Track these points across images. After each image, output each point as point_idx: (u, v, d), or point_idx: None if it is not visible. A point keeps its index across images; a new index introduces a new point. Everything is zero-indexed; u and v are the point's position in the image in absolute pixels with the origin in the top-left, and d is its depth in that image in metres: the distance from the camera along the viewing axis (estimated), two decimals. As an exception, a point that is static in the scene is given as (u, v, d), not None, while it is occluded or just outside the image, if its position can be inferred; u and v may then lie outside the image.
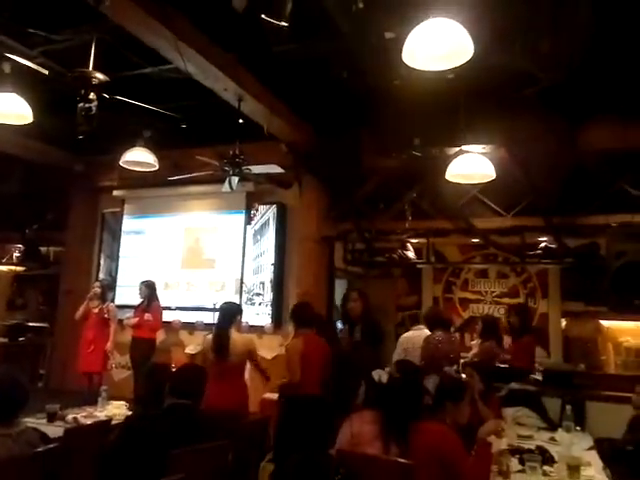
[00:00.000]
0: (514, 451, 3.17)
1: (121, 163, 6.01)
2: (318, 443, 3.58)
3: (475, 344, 5.51)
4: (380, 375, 2.74)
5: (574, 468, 2.77)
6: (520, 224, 6.03)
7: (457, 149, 4.91)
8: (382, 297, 9.15)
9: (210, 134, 6.30)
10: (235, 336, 4.35)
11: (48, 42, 4.62)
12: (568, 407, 3.92)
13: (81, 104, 3.45)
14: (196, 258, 8.02)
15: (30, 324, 9.22)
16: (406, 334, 6.02)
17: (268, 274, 7.49)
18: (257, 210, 7.67)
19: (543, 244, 6.53)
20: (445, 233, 6.79)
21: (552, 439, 3.66)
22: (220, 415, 3.60)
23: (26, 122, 4.26)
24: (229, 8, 3.07)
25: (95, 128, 3.73)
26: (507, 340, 5.94)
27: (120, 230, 8.58)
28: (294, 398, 4.31)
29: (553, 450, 3.20)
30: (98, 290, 6.52)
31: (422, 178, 6.33)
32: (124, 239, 8.52)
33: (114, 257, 8.63)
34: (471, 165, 4.76)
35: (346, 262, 7.28)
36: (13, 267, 9.97)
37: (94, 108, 3.47)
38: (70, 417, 3.78)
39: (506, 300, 8.44)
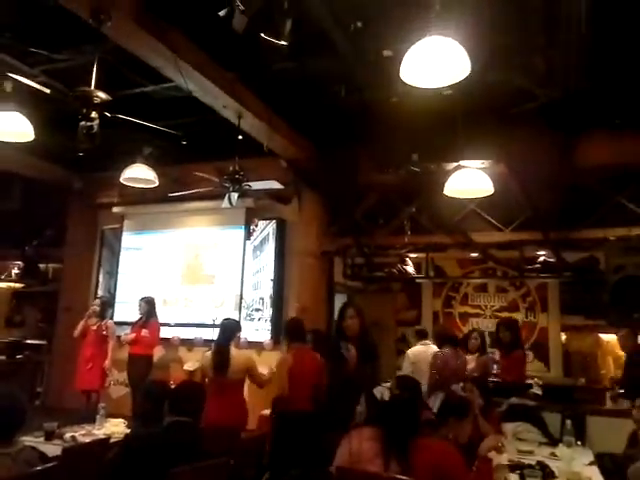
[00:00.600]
0: (515, 466, 3.15)
1: (121, 180, 6.04)
2: (310, 458, 3.58)
3: (472, 359, 5.50)
4: (382, 392, 2.74)
5: (575, 483, 2.75)
6: (518, 238, 6.06)
7: (455, 164, 4.95)
8: (382, 312, 9.14)
9: (210, 150, 6.34)
10: (234, 353, 4.36)
11: (50, 61, 4.68)
12: (568, 422, 3.89)
13: (83, 122, 3.48)
14: (195, 274, 8.01)
15: (28, 341, 9.14)
16: (414, 349, 6.05)
17: (267, 290, 7.49)
18: (256, 226, 7.68)
19: (542, 258, 6.56)
20: (444, 248, 6.82)
21: (553, 454, 3.64)
22: (220, 431, 3.59)
23: (27, 140, 4.29)
24: (229, 27, 3.12)
25: (96, 146, 3.76)
26: (497, 355, 5.94)
27: (119, 246, 8.58)
28: (284, 414, 4.32)
29: (554, 465, 3.17)
30: (97, 308, 6.49)
31: (421, 193, 6.37)
32: (123, 255, 8.51)
33: (113, 273, 8.62)
34: (469, 180, 4.79)
35: (346, 277, 7.30)
36: (12, 284, 9.94)
37: (96, 126, 3.51)
38: (68, 435, 3.75)
39: (505, 314, 8.43)
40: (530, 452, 3.71)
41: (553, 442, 4.03)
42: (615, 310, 4.33)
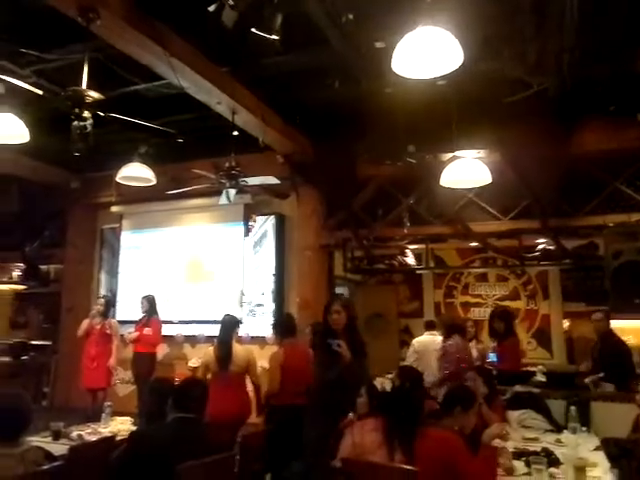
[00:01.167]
0: (520, 454, 3.17)
1: (118, 179, 6.03)
2: (309, 452, 3.61)
3: (472, 347, 5.52)
4: (382, 383, 2.75)
5: (580, 469, 2.76)
6: (517, 227, 6.05)
7: (451, 155, 4.94)
8: (384, 304, 9.18)
9: (206, 147, 6.34)
10: (236, 347, 4.45)
11: (41, 61, 4.65)
12: (573, 408, 3.91)
13: (75, 122, 3.48)
14: (196, 271, 8.02)
15: (33, 342, 9.19)
16: (419, 338, 6.09)
17: (269, 285, 7.50)
18: (255, 221, 7.68)
19: (541, 246, 6.55)
20: (443, 238, 6.82)
21: (558, 441, 3.66)
22: (224, 425, 3.62)
23: (23, 141, 4.29)
24: (220, 23, 3.10)
25: (91, 145, 3.76)
26: (491, 344, 5.97)
27: (119, 246, 8.59)
28: (276, 408, 4.39)
29: (559, 452, 3.18)
30: (101, 307, 6.52)
31: (418, 184, 6.37)
32: (123, 254, 8.52)
33: (114, 273, 8.63)
34: (465, 170, 4.78)
35: (346, 270, 7.30)
36: (14, 286, 9.97)
37: (89, 126, 3.50)
38: (75, 434, 3.78)
39: (507, 303, 8.44)
40: (535, 439, 3.73)
41: (558, 429, 4.05)
42: (616, 296, 4.34)
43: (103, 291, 8.54)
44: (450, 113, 4.83)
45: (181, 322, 7.68)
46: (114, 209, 8.47)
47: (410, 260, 7.57)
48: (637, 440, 3.78)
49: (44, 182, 7.80)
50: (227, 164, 5.25)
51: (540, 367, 5.95)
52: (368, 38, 3.87)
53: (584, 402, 4.66)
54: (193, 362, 7.00)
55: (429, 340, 5.83)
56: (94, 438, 3.73)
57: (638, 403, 4.05)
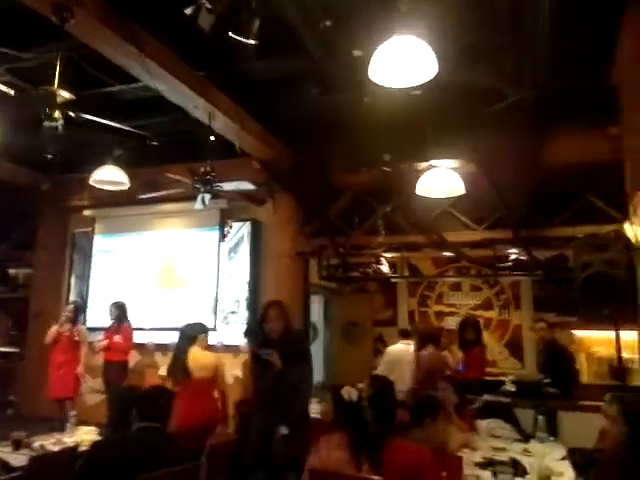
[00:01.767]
0: (487, 463, 3.17)
1: (91, 182, 5.91)
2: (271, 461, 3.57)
3: (447, 356, 5.57)
4: (349, 393, 2.71)
5: (545, 479, 2.78)
6: (490, 237, 6.13)
7: (426, 164, 4.98)
8: (359, 312, 9.19)
9: (181, 151, 6.27)
10: (199, 354, 4.42)
11: (15, 60, 4.55)
12: (540, 418, 3.95)
13: (46, 122, 3.41)
14: (170, 277, 7.90)
15: (-1, 349, 8.94)
16: (392, 347, 6.08)
17: (243, 292, 7.43)
18: (231, 227, 7.60)
19: (514, 256, 6.64)
20: (418, 247, 6.86)
21: (526, 450, 3.68)
22: (191, 434, 3.56)
23: (-7, 141, 4.18)
24: (196, 26, 3.08)
25: (63, 147, 3.68)
26: (459, 353, 6.04)
27: (91, 250, 8.42)
28: (246, 415, 4.31)
29: (526, 461, 3.21)
30: (70, 314, 6.36)
31: (394, 193, 6.40)
32: (95, 259, 8.35)
33: (85, 278, 8.44)
34: (440, 180, 4.84)
35: (321, 278, 7.29)
36: (-20, 290, 9.68)
37: (60, 127, 3.43)
38: (37, 444, 3.66)
39: (480, 312, 8.53)
40: (503, 449, 3.74)
41: (526, 438, 4.07)
42: (584, 307, 4.42)
43: (73, 296, 8.34)
44: (426, 122, 4.88)
45: (153, 329, 7.54)
46: (86, 212, 8.31)
47: (385, 268, 7.59)
48: (602, 450, 3.83)
49: (14, 183, 7.61)
50: (202, 169, 5.20)
51: (510, 377, 6.01)
52: (346, 46, 3.88)
53: (552, 412, 4.72)
54: (164, 370, 6.88)
55: (403, 349, 5.83)
56: (57, 448, 3.62)
57: (604, 413, 4.11)
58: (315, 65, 4.36)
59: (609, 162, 5.11)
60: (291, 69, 4.73)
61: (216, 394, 4.54)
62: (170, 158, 6.53)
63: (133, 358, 6.91)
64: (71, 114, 3.56)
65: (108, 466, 2.50)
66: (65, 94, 3.52)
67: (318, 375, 6.61)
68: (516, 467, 3.04)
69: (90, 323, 7.58)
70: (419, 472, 2.45)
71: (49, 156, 4.62)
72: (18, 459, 3.14)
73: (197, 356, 4.39)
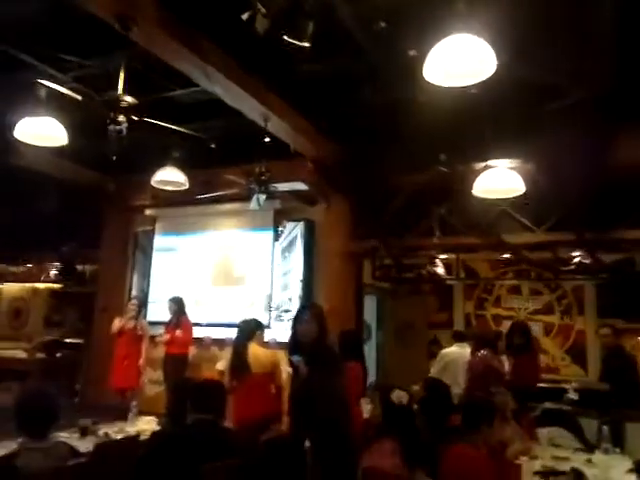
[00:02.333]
0: (548, 473, 3.06)
1: (152, 182, 6.16)
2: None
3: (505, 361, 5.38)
4: (400, 397, 2.67)
5: (610, 492, 2.66)
6: (551, 239, 5.91)
7: (484, 164, 4.86)
8: (413, 314, 9.07)
9: (237, 153, 6.40)
10: (259, 351, 4.48)
11: (80, 67, 4.80)
12: (605, 428, 3.77)
13: (111, 126, 3.58)
14: (226, 275, 8.11)
15: (67, 340, 9.46)
16: (447, 350, 5.98)
17: (296, 291, 7.51)
18: (285, 227, 7.72)
19: (577, 259, 6.37)
20: (474, 249, 6.70)
21: (589, 461, 3.51)
22: (248, 429, 3.63)
23: (61, 144, 4.42)
24: (252, 30, 3.14)
25: (126, 149, 3.85)
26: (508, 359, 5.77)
27: (152, 248, 8.76)
28: None
29: (589, 472, 3.07)
30: (135, 310, 6.67)
31: (450, 194, 6.28)
32: (156, 257, 8.69)
33: (146, 275, 8.80)
34: (498, 180, 4.70)
35: (374, 278, 7.25)
36: (51, 284, 10.28)
37: (124, 130, 3.60)
38: (101, 432, 3.85)
39: (540, 317, 8.22)
40: (565, 458, 3.58)
41: (589, 448, 3.90)
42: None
43: (135, 292, 8.71)
44: (483, 121, 4.76)
45: (210, 325, 7.76)
46: (148, 212, 8.65)
47: (440, 270, 7.47)
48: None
49: (81, 184, 8.02)
50: (257, 169, 5.30)
51: (573, 384, 5.76)
52: (401, 46, 3.84)
53: (618, 422, 4.49)
54: (221, 365, 7.06)
55: (458, 352, 5.72)
56: (120, 436, 3.80)
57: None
58: (370, 65, 4.34)
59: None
60: (345, 70, 4.72)
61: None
62: (226, 159, 6.69)
63: (191, 352, 7.14)
64: (134, 118, 3.73)
65: (166, 456, 2.60)
66: (128, 99, 3.69)
67: (370, 376, 6.58)
68: (579, 478, 2.91)
69: (151, 317, 7.89)
70: (474, 477, 2.40)
71: (113, 158, 4.84)
72: (84, 445, 3.32)
73: (256, 352, 4.45)
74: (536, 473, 2.98)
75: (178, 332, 6.70)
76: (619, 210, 5.56)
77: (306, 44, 3.09)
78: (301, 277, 7.47)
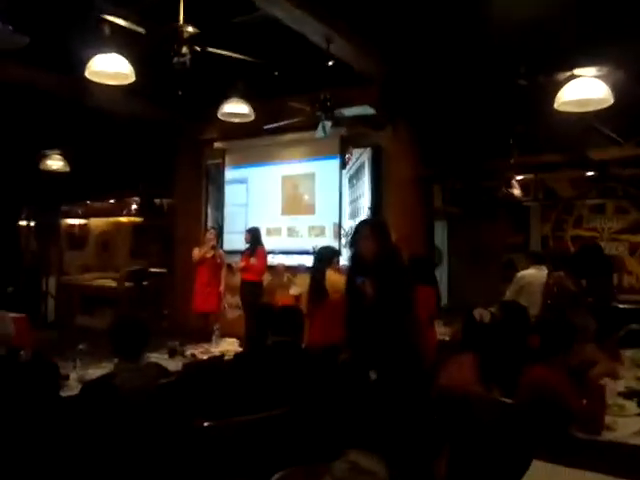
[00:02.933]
0: (632, 394, 2.99)
1: (219, 115, 6.18)
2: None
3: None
4: (482, 314, 2.65)
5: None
6: (642, 153, 5.43)
7: (568, 74, 4.44)
8: (485, 238, 8.82)
9: (302, 80, 6.25)
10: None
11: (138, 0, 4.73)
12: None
13: (175, 59, 3.56)
14: (295, 204, 8.20)
15: (151, 270, 10.11)
16: (524, 272, 5.83)
17: (365, 218, 7.48)
18: (351, 154, 7.60)
19: (670, 174, 5.86)
20: (555, 167, 6.31)
21: (676, 381, 3.39)
22: (326, 350, 3.77)
23: (129, 81, 4.46)
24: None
25: (192, 83, 3.84)
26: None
27: (223, 180, 8.97)
28: None
29: (675, 392, 2.96)
30: (214, 238, 7.01)
31: (529, 109, 5.84)
32: (227, 189, 8.91)
33: (219, 206, 9.08)
34: (585, 90, 4.29)
35: (445, 203, 7.07)
36: (133, 218, 10.90)
37: (188, 62, 3.57)
38: (188, 353, 4.15)
39: (626, 237, 7.75)
40: (650, 379, 3.49)
41: (677, 369, 3.75)
42: None
43: (210, 223, 9.05)
44: (568, 26, 4.30)
45: (282, 252, 7.98)
46: (217, 145, 8.78)
47: (516, 192, 7.13)
48: None
49: (152, 120, 8.20)
50: (322, 96, 5.16)
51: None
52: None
53: None
54: (294, 291, 7.31)
55: (535, 274, 5.54)
56: (205, 357, 4.08)
57: None
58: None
59: None
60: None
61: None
62: (291, 88, 6.56)
63: (265, 279, 7.43)
64: (197, 48, 3.68)
65: (251, 372, 2.78)
66: (190, 29, 3.63)
67: (442, 299, 6.57)
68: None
69: (226, 247, 8.23)
70: (557, 399, 2.37)
71: (179, 93, 4.87)
72: (173, 365, 3.60)
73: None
74: (620, 394, 2.92)
75: (252, 260, 6.96)
76: None
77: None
78: (369, 204, 7.41)
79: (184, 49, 3.57)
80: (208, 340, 4.60)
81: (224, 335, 4.72)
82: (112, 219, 11.36)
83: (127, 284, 9.58)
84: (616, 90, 4.33)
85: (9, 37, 3.83)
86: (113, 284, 9.93)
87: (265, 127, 6.68)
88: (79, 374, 3.21)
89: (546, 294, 4.66)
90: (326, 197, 7.82)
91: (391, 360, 2.74)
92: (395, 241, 6.46)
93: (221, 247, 7.76)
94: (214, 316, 6.84)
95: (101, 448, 2.41)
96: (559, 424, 2.30)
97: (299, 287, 6.92)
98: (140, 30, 3.76)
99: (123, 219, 11.10)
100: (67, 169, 8.83)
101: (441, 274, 8.33)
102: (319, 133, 5.50)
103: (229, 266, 7.44)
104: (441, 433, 1.29)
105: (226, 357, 4.02)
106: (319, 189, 7.92)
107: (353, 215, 7.63)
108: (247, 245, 7.10)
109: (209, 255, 6.87)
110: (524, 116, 5.92)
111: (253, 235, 7.08)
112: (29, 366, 2.44)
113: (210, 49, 3.97)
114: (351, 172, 7.65)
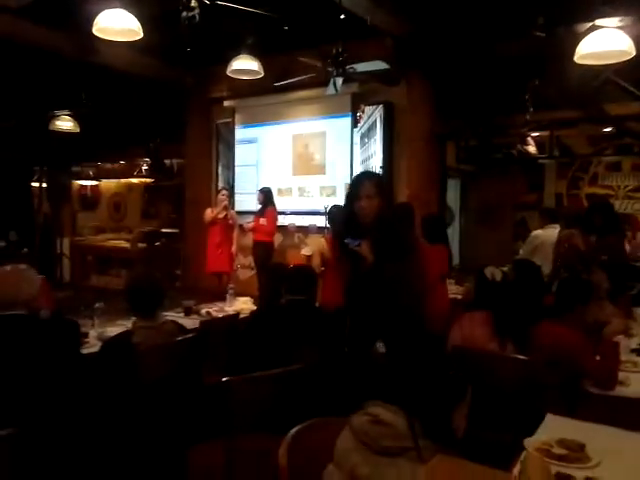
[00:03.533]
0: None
1: (228, 73, 6.06)
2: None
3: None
4: (493, 273, 2.64)
5: None
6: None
7: (588, 25, 4.26)
8: (498, 195, 8.74)
9: (312, 35, 6.08)
10: None
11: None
12: None
13: (184, 13, 3.47)
14: (306, 164, 8.13)
15: (163, 230, 10.18)
16: (537, 232, 5.79)
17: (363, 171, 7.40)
18: (363, 112, 7.46)
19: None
20: (572, 123, 6.17)
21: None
22: (338, 309, 3.81)
23: (136, 38, 4.37)
24: None
25: (200, 39, 3.75)
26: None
27: (233, 140, 8.88)
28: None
29: (688, 349, 2.98)
30: (226, 199, 7.03)
31: (545, 63, 5.66)
32: (237, 148, 8.83)
33: (230, 166, 9.03)
34: (605, 42, 4.11)
35: (459, 161, 6.97)
36: (143, 179, 10.90)
37: (196, 16, 3.48)
38: (204, 311, 4.22)
39: (642, 195, 7.65)
40: (662, 336, 3.50)
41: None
42: None
43: (221, 183, 9.03)
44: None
45: (293, 213, 7.98)
46: (226, 104, 8.66)
47: (531, 149, 6.99)
48: None
49: (160, 79, 8.07)
50: (334, 50, 5.02)
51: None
52: None
53: None
54: (305, 251, 7.35)
55: (549, 234, 5.49)
56: (220, 315, 4.15)
57: None
58: None
59: None
60: None
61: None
62: (301, 42, 6.39)
63: (277, 239, 7.47)
64: (206, 1, 3.58)
65: (266, 330, 2.83)
66: (199, -19, 3.52)
67: (454, 258, 6.56)
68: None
69: (237, 207, 8.23)
70: (570, 353, 2.39)
71: (187, 49, 4.76)
72: (190, 323, 3.67)
73: None
74: (632, 350, 2.94)
75: (262, 220, 6.99)
76: None
77: None
78: (381, 163, 7.32)
79: (193, 2, 3.47)
80: (222, 299, 4.66)
81: (237, 295, 4.78)
82: (123, 180, 11.36)
83: (140, 245, 9.66)
84: (637, 43, 4.16)
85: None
86: (126, 245, 10.03)
87: (275, 84, 6.55)
88: (98, 332, 3.28)
89: (557, 252, 4.63)
90: (337, 156, 7.73)
91: (399, 330, 2.51)
92: (408, 199, 6.48)
93: (233, 208, 7.77)
94: (227, 276, 6.92)
95: (121, 404, 2.48)
96: (573, 379, 2.33)
97: (310, 247, 6.95)
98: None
99: (134, 180, 11.11)
100: (77, 130, 8.77)
101: (453, 233, 8.31)
102: (330, 90, 5.38)
103: (241, 227, 7.48)
104: (459, 387, 1.30)
105: (241, 315, 4.09)
106: (330, 148, 7.83)
107: (365, 174, 7.56)
108: (260, 206, 7.11)
109: (221, 216, 6.91)
110: (540, 70, 5.74)
111: (266, 195, 7.09)
112: (51, 324, 2.49)
113: (219, 1, 3.85)
114: (362, 130, 7.53)
